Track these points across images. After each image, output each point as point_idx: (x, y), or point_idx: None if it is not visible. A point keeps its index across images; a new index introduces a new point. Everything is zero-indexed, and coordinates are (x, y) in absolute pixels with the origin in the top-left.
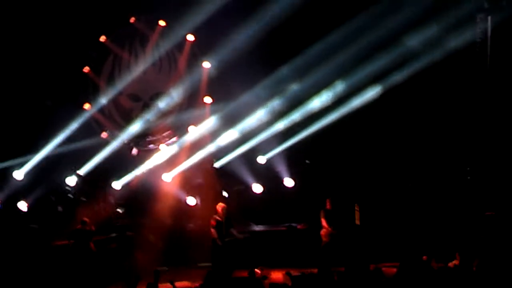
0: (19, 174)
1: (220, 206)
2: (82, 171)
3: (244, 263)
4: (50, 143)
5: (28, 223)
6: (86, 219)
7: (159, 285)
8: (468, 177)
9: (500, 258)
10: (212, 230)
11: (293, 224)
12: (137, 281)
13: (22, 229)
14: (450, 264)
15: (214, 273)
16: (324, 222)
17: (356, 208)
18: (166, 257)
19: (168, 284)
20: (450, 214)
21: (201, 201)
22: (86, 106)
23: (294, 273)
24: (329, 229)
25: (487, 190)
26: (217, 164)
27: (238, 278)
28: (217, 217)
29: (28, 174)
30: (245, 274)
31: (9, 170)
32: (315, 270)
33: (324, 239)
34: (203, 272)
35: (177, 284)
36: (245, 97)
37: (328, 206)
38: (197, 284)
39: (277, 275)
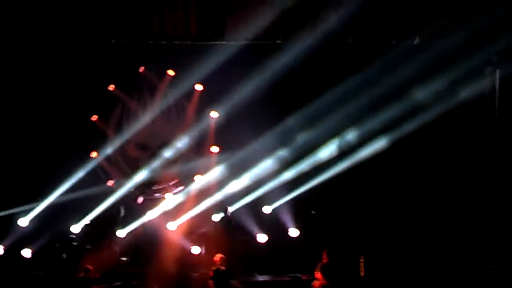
0: (24, 221)
1: (218, 256)
2: (88, 219)
3: None
4: (56, 191)
5: (32, 270)
6: (89, 266)
7: None
8: (475, 230)
9: None
10: (210, 281)
11: (298, 275)
12: None
13: (26, 276)
14: None
15: None
16: (318, 274)
17: (361, 259)
18: None
19: None
20: (456, 267)
21: (206, 250)
22: (94, 154)
23: None
24: (323, 281)
25: (493, 243)
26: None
27: None
28: (215, 268)
29: (33, 221)
30: None
31: (14, 217)
32: None
33: None
34: None
35: None
36: (252, 147)
37: (324, 258)
38: None
39: None
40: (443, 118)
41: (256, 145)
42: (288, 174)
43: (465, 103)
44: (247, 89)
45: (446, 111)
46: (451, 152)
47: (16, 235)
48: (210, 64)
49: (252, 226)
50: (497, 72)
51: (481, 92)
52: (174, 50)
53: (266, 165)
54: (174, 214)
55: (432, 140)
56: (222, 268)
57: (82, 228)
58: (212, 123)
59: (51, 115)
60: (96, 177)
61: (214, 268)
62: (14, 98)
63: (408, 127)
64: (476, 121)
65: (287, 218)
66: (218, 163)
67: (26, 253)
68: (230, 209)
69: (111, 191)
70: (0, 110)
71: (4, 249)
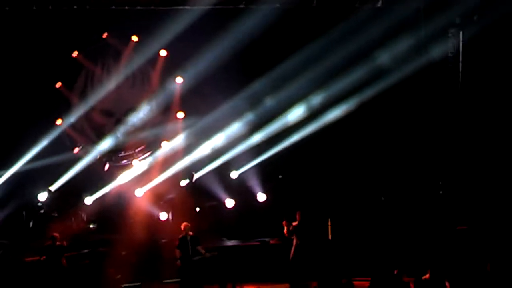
0: None
1: (183, 225)
2: (54, 187)
3: (217, 278)
4: (22, 159)
5: None
6: (56, 234)
7: None
8: (440, 191)
9: (471, 273)
10: (176, 250)
11: (266, 239)
12: None
13: None
14: (422, 278)
15: None
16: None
17: (328, 223)
18: (139, 272)
19: None
20: (422, 228)
21: (173, 216)
22: (59, 121)
23: None
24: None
25: (459, 205)
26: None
27: None
28: (181, 236)
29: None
30: None
31: None
32: (287, 285)
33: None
34: (174, 287)
35: None
36: (218, 112)
37: (297, 219)
38: None
39: None
40: (408, 81)
41: (222, 109)
42: (255, 139)
43: (429, 65)
44: (212, 54)
45: (411, 74)
46: (416, 114)
47: None
48: (174, 29)
49: (219, 191)
50: (461, 33)
51: (445, 54)
52: (137, 16)
53: (233, 129)
54: (141, 181)
55: (397, 103)
56: (188, 235)
57: (49, 196)
58: (178, 89)
59: (16, 82)
60: (62, 144)
61: (180, 236)
62: None
63: (374, 89)
64: (440, 83)
65: (254, 183)
66: (184, 128)
67: None
68: (197, 175)
69: (77, 158)
70: None
71: None
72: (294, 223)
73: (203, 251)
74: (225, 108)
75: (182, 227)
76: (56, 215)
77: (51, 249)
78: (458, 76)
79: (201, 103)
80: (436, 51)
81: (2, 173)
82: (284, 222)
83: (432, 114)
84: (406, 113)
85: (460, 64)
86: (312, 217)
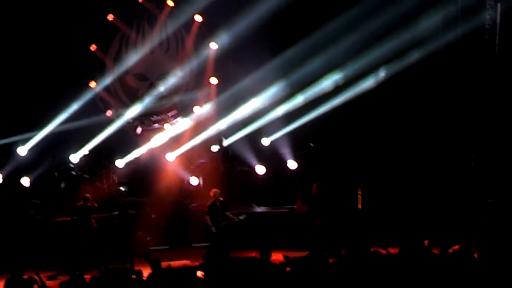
0: (23, 150)
1: (212, 191)
2: (86, 149)
3: (246, 244)
4: (55, 120)
5: (30, 198)
6: (88, 195)
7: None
8: (472, 164)
9: (501, 246)
10: (206, 217)
11: (295, 206)
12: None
13: (25, 204)
14: (450, 250)
15: (211, 253)
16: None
17: (358, 192)
18: (167, 236)
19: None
20: (453, 200)
21: (204, 181)
22: (92, 84)
23: (292, 255)
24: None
25: (491, 177)
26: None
27: (243, 258)
28: (210, 203)
29: (32, 150)
30: (248, 254)
31: (13, 145)
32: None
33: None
34: (202, 251)
35: (178, 263)
36: (251, 79)
37: (314, 191)
38: (197, 263)
39: (277, 257)
40: (444, 52)
41: (255, 76)
42: (287, 106)
43: (466, 37)
44: (246, 20)
45: (447, 45)
46: (450, 86)
47: (15, 164)
48: None
49: (250, 157)
50: (498, 6)
51: (482, 26)
52: None
53: (265, 96)
54: (172, 145)
55: (433, 74)
56: (218, 201)
57: (81, 158)
58: (212, 54)
59: (51, 44)
60: (95, 107)
61: (209, 203)
62: (14, 27)
63: (408, 59)
64: (476, 55)
65: (285, 150)
66: (217, 94)
67: (25, 181)
68: (227, 141)
69: (110, 121)
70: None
71: (3, 177)
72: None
73: (231, 216)
74: (258, 74)
75: (212, 193)
76: (87, 176)
77: (82, 210)
78: (494, 48)
79: (234, 69)
80: (474, 23)
81: (35, 134)
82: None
83: (467, 86)
84: (440, 85)
85: (497, 36)
86: (342, 186)
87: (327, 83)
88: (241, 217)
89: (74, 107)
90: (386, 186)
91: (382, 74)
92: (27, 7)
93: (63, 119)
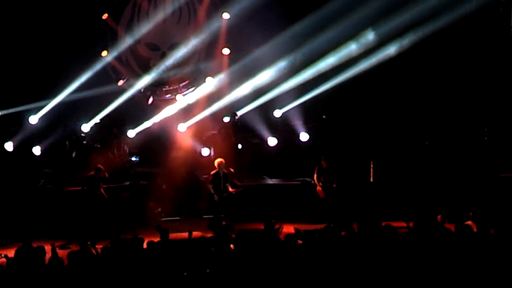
0: (34, 119)
1: (217, 161)
2: (97, 118)
3: (257, 216)
4: (66, 89)
5: (41, 167)
6: (100, 166)
7: (174, 234)
8: (485, 138)
9: None
10: (209, 185)
11: (307, 179)
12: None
13: (36, 173)
14: (464, 224)
15: (214, 223)
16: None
17: (371, 165)
18: (178, 207)
19: (184, 233)
20: (466, 174)
21: (215, 152)
22: (104, 53)
23: (303, 228)
24: (319, 186)
25: (504, 151)
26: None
27: (253, 230)
28: (214, 172)
29: (43, 119)
30: (258, 226)
31: (25, 114)
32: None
33: (320, 195)
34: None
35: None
36: (263, 50)
37: (323, 165)
38: (208, 235)
39: (288, 229)
40: (459, 24)
41: (268, 47)
42: (299, 78)
43: (480, 9)
44: None
45: (462, 17)
46: (464, 59)
47: (26, 133)
48: None
49: (262, 129)
50: None
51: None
52: None
53: (277, 68)
54: (184, 116)
55: (447, 46)
56: (221, 172)
57: (92, 127)
58: (224, 25)
59: (63, 13)
60: (107, 76)
61: (213, 172)
62: None
63: (424, 31)
64: (490, 28)
65: (297, 122)
66: (229, 65)
67: (36, 150)
68: (240, 112)
69: (121, 90)
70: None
71: (14, 146)
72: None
73: (229, 188)
74: (270, 46)
75: (216, 163)
76: (98, 146)
77: (93, 180)
78: (509, 21)
79: (246, 40)
80: None
81: (46, 103)
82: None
83: (481, 59)
84: (455, 57)
85: None
86: (354, 159)
87: (339, 55)
88: (237, 190)
89: (86, 76)
90: (399, 159)
91: (395, 46)
92: None
93: (75, 88)
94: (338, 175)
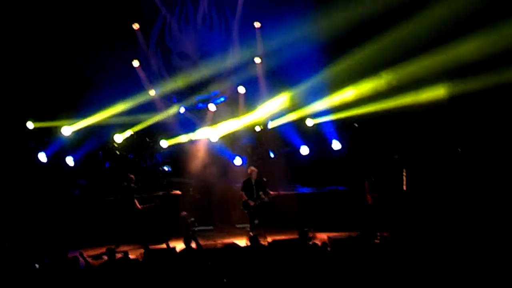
0: (67, 130)
1: (250, 169)
2: (131, 129)
3: (290, 224)
4: (102, 109)
5: (75, 178)
6: (131, 175)
7: (204, 241)
8: None
9: None
10: (241, 192)
11: (340, 187)
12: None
13: (69, 183)
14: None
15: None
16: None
17: (403, 173)
18: (211, 216)
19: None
20: (500, 182)
21: (248, 161)
22: (135, 63)
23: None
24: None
25: None
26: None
27: (287, 240)
28: (245, 179)
29: (76, 130)
30: (292, 234)
31: (57, 125)
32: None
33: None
34: (245, 232)
35: (224, 241)
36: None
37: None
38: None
39: (321, 237)
40: None
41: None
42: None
43: None
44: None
45: None
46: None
47: (59, 143)
48: None
49: (294, 138)
50: None
51: None
52: None
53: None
54: (216, 125)
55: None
56: (253, 179)
57: (125, 138)
58: (257, 34)
59: (93, 24)
60: (139, 86)
61: (244, 179)
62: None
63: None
64: None
65: (330, 131)
66: (262, 74)
67: (70, 161)
68: (272, 123)
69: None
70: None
71: (47, 157)
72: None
73: (263, 196)
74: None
75: (250, 170)
76: (131, 156)
77: (126, 190)
78: None
79: (280, 51)
80: None
81: (79, 117)
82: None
83: None
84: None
85: None
86: (387, 168)
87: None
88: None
89: (117, 86)
90: (431, 167)
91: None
92: None
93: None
94: (381, 184)
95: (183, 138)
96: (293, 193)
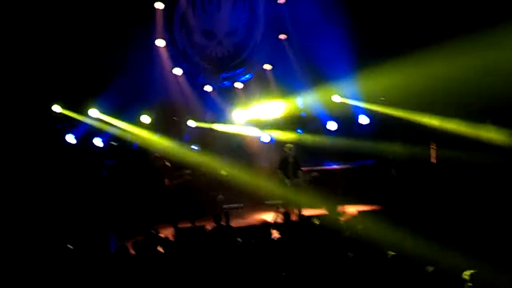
0: (94, 112)
1: (286, 146)
2: (155, 108)
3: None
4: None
5: (103, 159)
6: (158, 155)
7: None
8: None
9: None
10: (278, 170)
11: (367, 162)
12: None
13: (98, 165)
14: None
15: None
16: None
17: (432, 146)
18: (240, 193)
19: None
20: None
21: (275, 138)
22: (159, 42)
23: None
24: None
25: None
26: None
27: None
28: (283, 157)
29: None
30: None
31: (85, 106)
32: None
33: None
34: (274, 208)
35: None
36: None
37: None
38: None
39: (351, 212)
40: None
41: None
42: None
43: None
44: None
45: None
46: None
47: (87, 125)
48: None
49: (322, 114)
50: None
51: None
52: None
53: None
54: (243, 103)
55: None
56: (290, 156)
57: (152, 117)
58: (280, 10)
59: (116, 7)
60: (164, 64)
61: (282, 157)
62: None
63: None
64: None
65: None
66: (287, 51)
67: (98, 142)
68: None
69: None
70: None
71: (76, 138)
72: None
73: (302, 175)
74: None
75: (285, 148)
76: (159, 135)
77: (154, 169)
78: None
79: (305, 25)
80: None
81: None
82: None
83: None
84: None
85: None
86: (415, 140)
87: None
88: (308, 178)
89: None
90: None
91: None
92: None
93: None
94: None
95: (216, 126)
96: (323, 169)
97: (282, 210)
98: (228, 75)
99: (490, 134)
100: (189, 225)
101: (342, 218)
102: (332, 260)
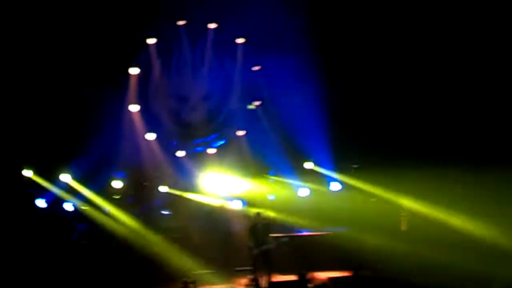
0: (66, 177)
1: (255, 212)
2: (130, 171)
3: (289, 267)
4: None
5: (74, 223)
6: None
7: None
8: None
9: None
10: (248, 238)
11: (338, 229)
12: None
13: (69, 229)
14: None
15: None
16: None
17: (402, 214)
18: (211, 259)
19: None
20: None
21: (247, 204)
22: (134, 108)
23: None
24: None
25: None
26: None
27: (286, 282)
28: (253, 224)
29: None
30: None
31: (56, 171)
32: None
33: None
34: (244, 275)
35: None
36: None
37: None
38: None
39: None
40: None
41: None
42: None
43: None
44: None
45: None
46: None
47: (58, 189)
48: (252, 17)
49: (293, 180)
50: None
51: None
52: (215, 2)
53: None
54: (215, 169)
55: None
56: (260, 223)
57: (124, 183)
58: (254, 77)
59: (91, 69)
60: (137, 130)
61: (251, 224)
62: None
63: None
64: None
65: (328, 171)
66: (260, 117)
67: (68, 206)
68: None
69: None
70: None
71: (46, 202)
72: None
73: (271, 241)
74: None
75: (254, 214)
76: (130, 201)
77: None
78: None
79: (279, 93)
80: None
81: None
82: None
83: None
84: None
85: None
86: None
87: None
88: (279, 243)
89: (116, 130)
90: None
91: None
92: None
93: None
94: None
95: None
96: (293, 235)
97: (251, 276)
98: (201, 140)
99: None
100: None
101: (311, 285)
102: None
